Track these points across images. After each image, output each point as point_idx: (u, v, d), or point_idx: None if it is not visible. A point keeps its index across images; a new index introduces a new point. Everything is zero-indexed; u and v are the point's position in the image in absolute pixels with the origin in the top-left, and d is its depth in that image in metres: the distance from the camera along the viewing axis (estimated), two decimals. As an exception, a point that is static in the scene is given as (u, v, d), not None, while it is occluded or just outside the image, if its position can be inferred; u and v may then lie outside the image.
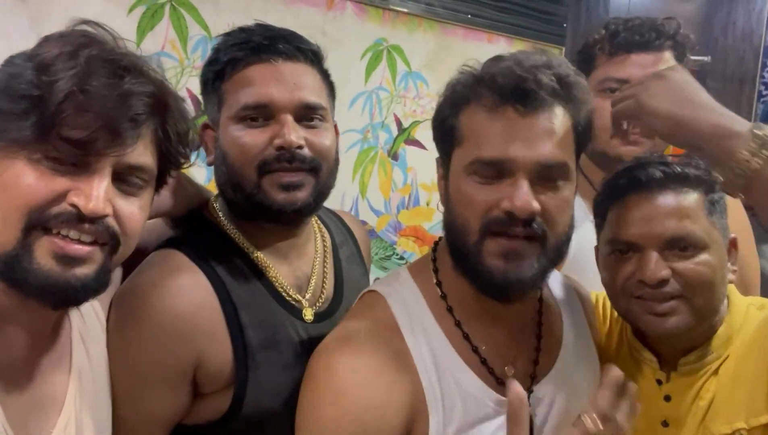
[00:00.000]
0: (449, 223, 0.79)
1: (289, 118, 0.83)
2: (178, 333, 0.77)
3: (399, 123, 2.09)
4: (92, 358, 0.74)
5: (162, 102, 0.66)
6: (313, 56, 0.87)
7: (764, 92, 2.96)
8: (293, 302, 0.88)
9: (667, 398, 0.88)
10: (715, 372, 0.86)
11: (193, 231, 0.88)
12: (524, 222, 0.71)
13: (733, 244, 0.89)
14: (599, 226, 0.93)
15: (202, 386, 0.81)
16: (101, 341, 0.77)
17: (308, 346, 0.83)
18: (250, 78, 0.83)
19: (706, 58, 2.69)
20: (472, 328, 0.80)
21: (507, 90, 0.72)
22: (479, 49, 2.23)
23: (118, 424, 0.76)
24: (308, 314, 0.89)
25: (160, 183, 0.72)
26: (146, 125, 0.65)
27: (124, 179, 0.65)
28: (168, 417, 0.80)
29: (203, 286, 0.80)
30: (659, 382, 0.90)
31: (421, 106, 2.13)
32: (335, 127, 0.93)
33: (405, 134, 2.10)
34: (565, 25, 2.45)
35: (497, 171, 0.73)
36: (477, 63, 0.79)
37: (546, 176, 0.73)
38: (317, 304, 0.92)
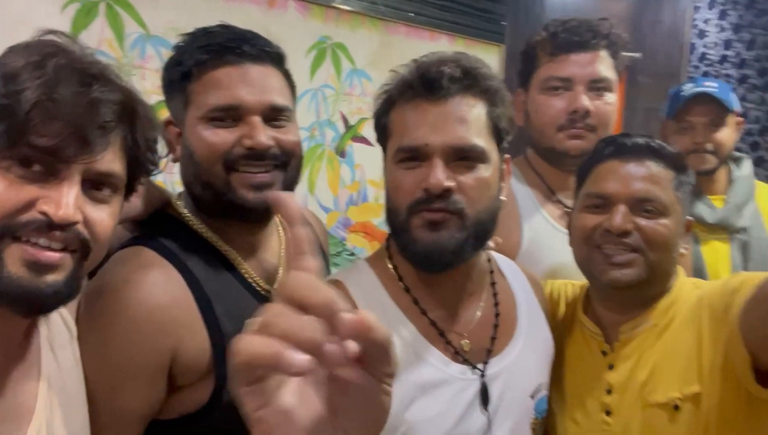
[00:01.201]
0: (387, 209, 0.88)
1: (257, 120, 0.85)
2: (156, 327, 0.78)
3: (345, 120, 2.09)
4: (61, 364, 0.73)
5: (131, 109, 0.67)
6: (277, 58, 0.90)
7: (689, 86, 3.14)
8: (264, 293, 0.91)
9: (611, 367, 0.95)
10: (654, 344, 0.93)
11: (158, 230, 0.88)
12: (440, 197, 0.80)
13: (688, 226, 0.98)
14: (579, 187, 1.03)
15: (178, 379, 0.82)
16: (70, 346, 0.76)
17: None
18: (219, 80, 0.84)
19: (637, 55, 2.83)
20: (429, 305, 0.87)
21: (419, 83, 0.82)
22: (422, 46, 2.26)
23: (96, 424, 0.76)
24: None
25: (129, 190, 0.73)
26: (115, 132, 0.65)
27: (93, 186, 0.65)
28: (145, 412, 0.81)
29: (176, 279, 0.82)
30: (604, 353, 0.97)
31: (366, 103, 2.14)
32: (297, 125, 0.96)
33: (352, 131, 2.11)
34: (504, 23, 2.51)
35: (416, 156, 0.82)
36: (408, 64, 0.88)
37: (461, 157, 0.82)
38: None
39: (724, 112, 1.53)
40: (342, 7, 2.03)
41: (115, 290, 0.78)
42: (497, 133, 0.86)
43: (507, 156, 0.91)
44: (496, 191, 0.87)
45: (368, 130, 2.15)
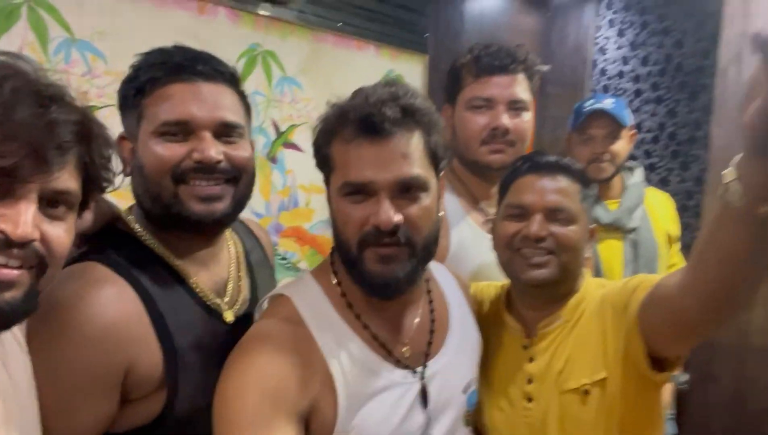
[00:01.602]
0: (335, 237, 0.91)
1: (207, 135, 0.87)
2: (110, 342, 0.79)
3: (276, 127, 2.13)
4: (14, 381, 0.73)
5: (87, 130, 0.69)
6: (231, 78, 0.92)
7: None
8: (214, 306, 0.94)
9: (531, 359, 1.08)
10: (567, 338, 1.06)
11: (107, 244, 0.89)
12: (390, 233, 0.84)
13: (592, 232, 1.12)
14: (501, 199, 1.15)
15: (131, 393, 0.83)
16: (22, 362, 0.76)
17: (231, 346, 0.90)
18: (171, 96, 0.86)
19: (546, 67, 3.05)
20: (371, 319, 0.92)
21: (359, 125, 0.84)
22: (349, 55, 2.33)
23: None
24: (229, 316, 0.95)
25: (83, 206, 0.74)
26: (72, 152, 0.67)
27: (49, 204, 0.66)
28: (98, 427, 0.82)
29: (129, 295, 0.83)
30: (525, 347, 1.09)
31: (297, 110, 2.18)
32: (251, 144, 0.98)
33: (282, 138, 2.15)
34: (427, 34, 2.64)
35: (362, 192, 0.85)
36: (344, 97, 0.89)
37: (406, 190, 0.85)
38: (236, 307, 0.98)
39: (618, 126, 1.73)
40: (271, 15, 2.06)
41: (69, 307, 0.78)
42: (435, 160, 0.91)
43: (441, 175, 0.97)
44: (437, 214, 0.92)
45: (299, 137, 2.19)
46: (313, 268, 1.00)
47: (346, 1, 2.30)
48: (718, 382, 2.45)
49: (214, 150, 0.87)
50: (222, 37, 1.93)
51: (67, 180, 0.67)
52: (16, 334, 0.77)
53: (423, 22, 2.62)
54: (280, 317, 0.88)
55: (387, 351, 0.91)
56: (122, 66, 1.71)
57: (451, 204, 1.41)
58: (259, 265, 1.08)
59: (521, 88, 1.37)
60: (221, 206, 0.89)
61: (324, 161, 0.91)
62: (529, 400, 1.06)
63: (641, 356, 0.95)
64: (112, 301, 0.81)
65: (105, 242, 0.89)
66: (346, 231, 0.87)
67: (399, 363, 0.92)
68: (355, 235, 0.86)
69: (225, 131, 0.90)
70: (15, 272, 0.63)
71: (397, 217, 0.84)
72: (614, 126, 1.73)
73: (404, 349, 0.94)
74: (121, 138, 0.92)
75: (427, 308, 1.00)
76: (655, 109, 3.15)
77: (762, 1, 2.30)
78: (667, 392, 1.74)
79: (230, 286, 0.98)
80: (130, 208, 0.95)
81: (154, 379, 0.84)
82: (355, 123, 0.84)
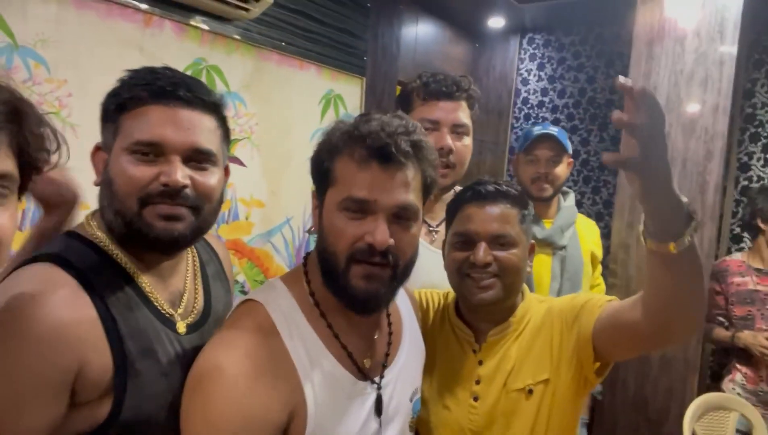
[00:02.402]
0: (322, 249, 0.93)
1: (177, 159, 0.89)
2: (61, 343, 0.78)
3: (219, 141, 2.14)
4: None
5: (17, 109, 0.67)
6: (212, 106, 0.94)
7: (515, 124, 3.66)
8: (167, 316, 0.94)
9: (480, 362, 1.18)
10: (514, 343, 1.17)
11: (64, 247, 0.89)
12: (381, 253, 0.89)
13: (531, 248, 1.23)
14: (448, 225, 1.22)
15: (79, 395, 0.82)
16: None
17: (182, 356, 0.92)
18: (148, 117, 0.88)
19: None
20: (342, 330, 0.96)
21: (373, 150, 0.89)
22: (292, 74, 2.39)
23: None
24: (181, 327, 0.95)
25: (23, 190, 0.73)
26: (3, 133, 0.65)
27: None
28: (46, 430, 0.80)
29: (82, 298, 0.83)
30: (474, 351, 1.19)
31: (239, 125, 2.21)
32: (226, 168, 1.01)
33: (224, 152, 2.16)
34: (365, 57, 2.75)
35: (363, 210, 0.89)
36: (348, 117, 0.94)
37: (400, 216, 0.91)
38: (189, 318, 0.98)
39: (561, 151, 1.91)
40: (217, 31, 2.08)
41: (20, 307, 0.78)
42: (425, 192, 0.96)
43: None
44: (418, 242, 0.96)
45: (241, 151, 2.22)
46: (282, 275, 1.01)
47: (289, 21, 2.37)
48: (625, 386, 2.70)
49: (181, 174, 0.88)
50: (167, 51, 1.94)
51: (2, 162, 0.65)
52: None
53: (362, 45, 2.73)
54: (253, 324, 0.89)
55: (353, 362, 0.95)
56: (64, 74, 1.70)
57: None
58: (214, 277, 1.10)
59: (464, 114, 1.50)
60: (180, 227, 0.90)
61: (323, 174, 0.93)
62: (476, 398, 1.15)
63: (589, 362, 1.09)
64: (65, 302, 0.80)
65: (62, 246, 0.89)
66: (336, 244, 0.90)
67: (361, 374, 0.96)
68: (345, 249, 0.89)
69: (196, 157, 0.91)
70: None
71: (390, 240, 0.88)
72: (558, 150, 1.92)
73: (365, 359, 0.98)
74: (97, 148, 0.94)
75: (386, 322, 1.05)
76: (569, 138, 3.43)
77: (665, 44, 2.60)
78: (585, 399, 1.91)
79: (185, 298, 0.99)
80: (93, 214, 0.95)
81: (103, 383, 0.83)
82: (371, 149, 0.88)
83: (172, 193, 0.88)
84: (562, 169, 1.93)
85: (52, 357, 0.78)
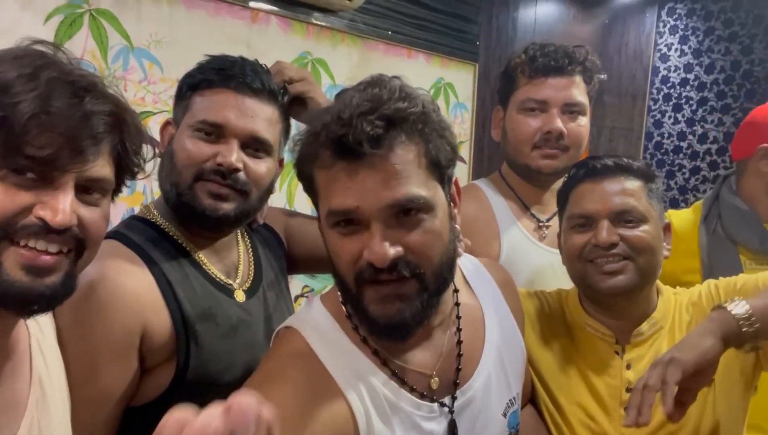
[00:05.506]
0: (333, 272, 0.79)
1: (235, 143, 0.93)
2: (124, 306, 0.84)
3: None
4: (49, 365, 0.76)
5: (120, 119, 0.71)
6: (279, 97, 1.00)
7: (653, 107, 3.28)
8: (225, 284, 0.99)
9: (629, 366, 1.01)
10: (664, 342, 1.00)
11: (125, 226, 0.96)
12: (389, 269, 0.71)
13: (667, 228, 1.05)
14: (561, 211, 1.10)
15: (147, 359, 0.88)
16: (54, 341, 0.79)
17: (241, 318, 0.97)
18: (217, 99, 0.94)
19: (603, 76, 2.96)
20: (392, 352, 0.81)
21: (333, 148, 0.71)
22: (400, 63, 2.32)
23: (77, 410, 0.79)
24: (240, 295, 1.00)
25: (116, 191, 0.77)
26: (105, 141, 0.69)
27: (85, 190, 0.69)
28: (122, 392, 0.86)
29: (140, 266, 0.89)
30: (617, 353, 1.03)
31: (346, 118, 2.18)
32: (281, 161, 1.04)
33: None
34: (477, 42, 2.60)
35: (352, 222, 0.73)
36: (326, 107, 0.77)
37: (403, 214, 0.72)
38: (246, 285, 1.03)
39: None
40: (322, 24, 2.07)
41: (86, 278, 0.82)
42: (438, 170, 0.76)
43: (455, 178, 0.82)
44: (449, 233, 0.78)
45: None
46: (322, 294, 0.88)
47: (396, 9, 2.30)
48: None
49: (235, 157, 0.92)
50: (273, 46, 1.95)
51: (102, 168, 0.69)
52: (50, 316, 0.80)
53: (474, 30, 2.58)
54: (288, 352, 0.79)
55: (411, 386, 0.81)
56: (177, 73, 1.76)
57: (501, 209, 1.35)
58: (263, 244, 1.13)
59: (578, 91, 1.30)
60: (226, 207, 0.94)
61: (309, 186, 0.79)
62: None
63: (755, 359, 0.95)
64: (123, 269, 0.87)
65: (124, 224, 0.98)
66: (340, 266, 0.76)
67: (425, 396, 0.81)
68: (349, 271, 0.74)
69: (253, 144, 0.95)
70: (54, 258, 0.66)
71: (394, 251, 0.71)
72: None
73: (432, 380, 0.83)
74: (167, 123, 1.00)
75: (453, 329, 0.87)
76: (721, 119, 2.99)
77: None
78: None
79: (240, 269, 1.04)
80: (153, 203, 1.02)
81: (166, 345, 0.88)
82: (329, 147, 0.71)
83: (224, 174, 0.92)
84: None
85: (118, 319, 0.84)
